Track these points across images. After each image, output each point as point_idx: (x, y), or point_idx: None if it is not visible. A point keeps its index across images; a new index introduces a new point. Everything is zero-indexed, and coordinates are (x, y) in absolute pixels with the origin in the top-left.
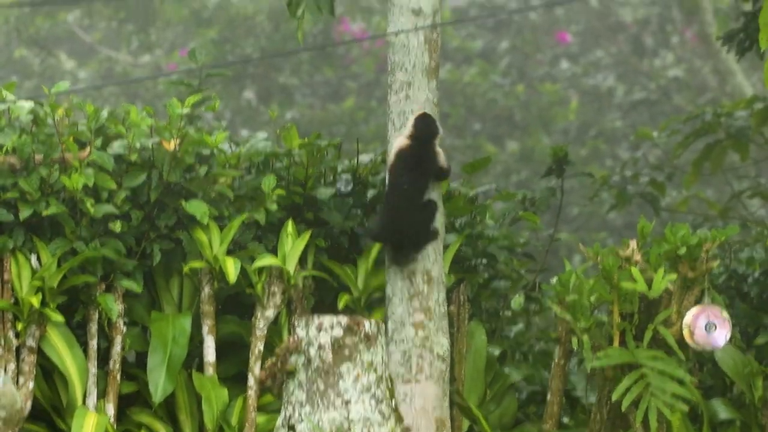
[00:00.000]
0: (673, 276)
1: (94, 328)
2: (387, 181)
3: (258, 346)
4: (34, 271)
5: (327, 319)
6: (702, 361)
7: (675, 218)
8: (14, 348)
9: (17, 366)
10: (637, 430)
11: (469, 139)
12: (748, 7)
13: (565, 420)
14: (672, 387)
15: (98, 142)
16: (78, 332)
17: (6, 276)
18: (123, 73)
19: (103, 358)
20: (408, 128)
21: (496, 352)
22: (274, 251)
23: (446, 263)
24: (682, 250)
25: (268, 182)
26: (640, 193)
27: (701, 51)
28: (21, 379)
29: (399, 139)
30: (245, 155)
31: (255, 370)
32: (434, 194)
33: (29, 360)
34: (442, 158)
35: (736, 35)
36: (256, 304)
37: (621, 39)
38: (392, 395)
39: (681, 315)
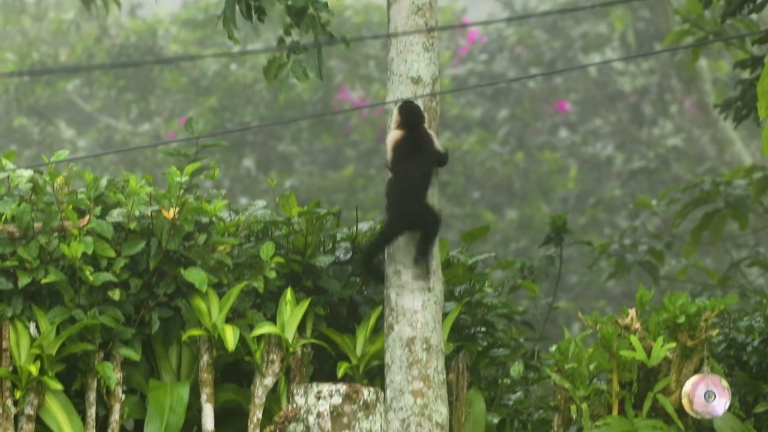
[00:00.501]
0: (672, 344)
1: (92, 396)
2: (390, 174)
3: (257, 414)
4: (32, 339)
5: (326, 387)
6: (701, 430)
7: (674, 287)
8: (12, 416)
9: None
10: None
11: (468, 207)
12: (746, 75)
13: None
14: None
15: (97, 210)
16: (76, 400)
17: (4, 344)
18: (122, 141)
19: (102, 426)
20: (394, 120)
21: (495, 420)
22: (273, 319)
23: (445, 331)
24: (681, 319)
25: (267, 250)
26: (639, 261)
27: (700, 120)
28: None
29: (391, 134)
30: (244, 223)
31: None
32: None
33: (27, 428)
34: (437, 143)
35: (733, 103)
36: (254, 372)
37: (620, 108)
38: None
39: (680, 384)
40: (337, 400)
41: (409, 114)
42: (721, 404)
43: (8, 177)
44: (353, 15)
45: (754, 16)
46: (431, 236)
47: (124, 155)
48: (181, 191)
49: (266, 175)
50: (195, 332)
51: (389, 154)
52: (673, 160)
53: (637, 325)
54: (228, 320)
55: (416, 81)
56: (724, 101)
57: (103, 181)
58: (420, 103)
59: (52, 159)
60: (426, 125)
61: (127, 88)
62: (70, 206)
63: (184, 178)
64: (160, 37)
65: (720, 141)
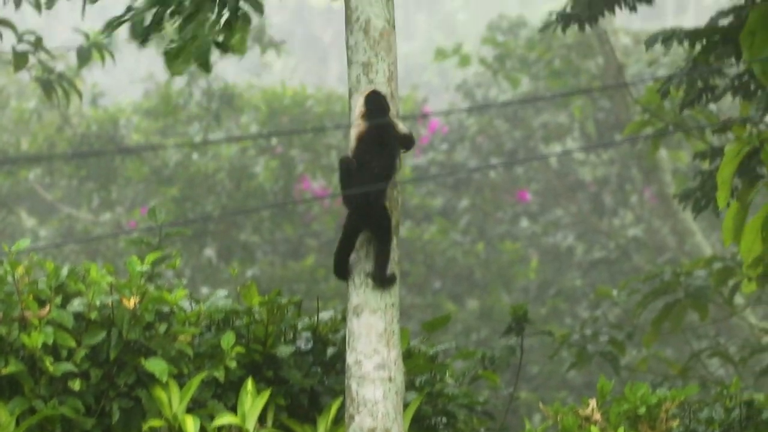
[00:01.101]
0: None
1: None
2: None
3: None
4: None
5: None
6: None
7: (635, 377)
8: None
9: None
10: None
11: (429, 297)
12: (705, 165)
13: None
14: None
15: (58, 300)
16: None
17: None
18: (84, 231)
19: None
20: (359, 110)
21: None
22: (233, 409)
23: (406, 422)
24: (642, 410)
25: (228, 340)
26: (599, 352)
27: (660, 210)
28: None
29: (354, 125)
30: (205, 313)
31: None
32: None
33: None
34: (402, 127)
35: (692, 194)
36: None
37: (581, 198)
38: None
39: None
40: None
41: (374, 105)
42: None
43: None
44: (315, 104)
45: (712, 106)
46: (385, 241)
47: (86, 245)
48: (142, 281)
49: (227, 264)
50: (155, 423)
51: (352, 145)
52: (634, 251)
53: (597, 416)
54: (189, 410)
55: None
56: (683, 192)
57: (64, 271)
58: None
59: (13, 248)
60: (391, 115)
61: (88, 178)
62: (31, 296)
63: (145, 268)
64: (121, 126)
65: (680, 232)
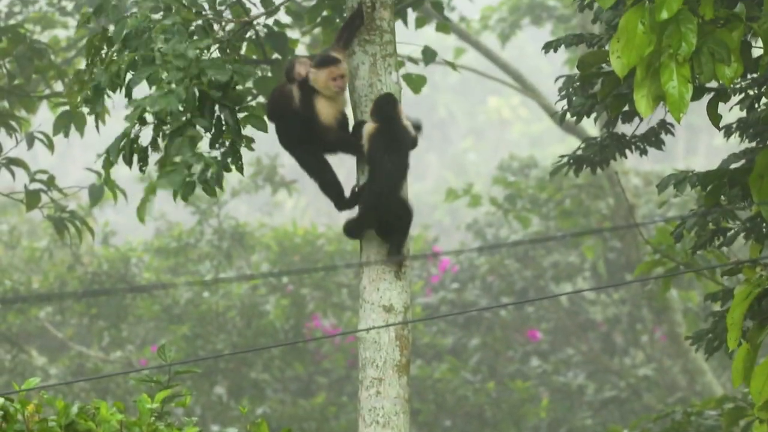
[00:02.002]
0: None
1: None
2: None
3: None
4: None
5: None
6: None
7: None
8: None
9: None
10: None
11: None
12: (716, 307)
13: None
14: None
15: None
16: None
17: None
18: (94, 369)
19: None
20: (371, 110)
21: None
22: None
23: None
24: None
25: None
26: None
27: (671, 350)
28: None
29: (366, 125)
30: None
31: None
32: None
33: None
34: (411, 129)
35: (704, 335)
36: None
37: (591, 337)
38: None
39: None
40: None
41: (385, 106)
42: None
43: None
44: (325, 243)
45: (724, 248)
46: (405, 230)
47: (96, 383)
48: (152, 418)
49: (238, 402)
50: None
51: (365, 146)
52: (645, 390)
53: None
54: None
55: (388, 309)
56: (696, 333)
57: (74, 409)
58: (391, 330)
59: (23, 387)
60: (401, 115)
61: (99, 316)
62: None
63: (155, 406)
64: (132, 264)
65: (691, 371)
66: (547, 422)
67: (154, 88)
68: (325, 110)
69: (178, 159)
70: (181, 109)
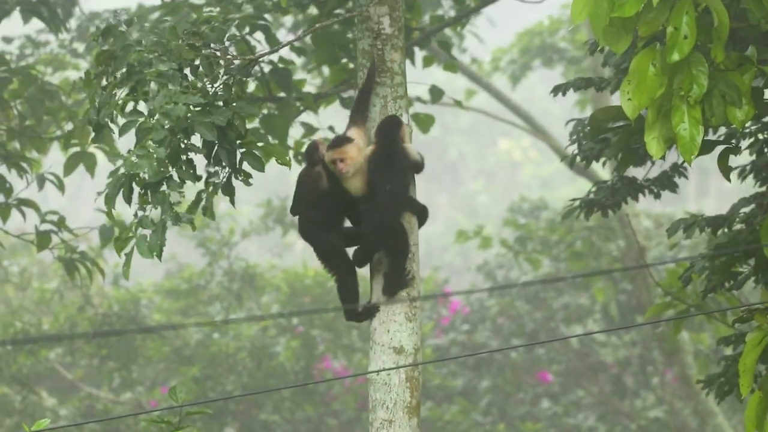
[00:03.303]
0: None
1: None
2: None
3: None
4: None
5: None
6: None
7: None
8: None
9: None
10: None
11: None
12: (728, 351)
13: None
14: None
15: None
16: None
17: None
18: (104, 410)
19: None
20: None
21: None
22: None
23: None
24: None
25: None
26: None
27: (682, 392)
28: None
29: (367, 149)
30: None
31: None
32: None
33: None
34: (413, 152)
35: (716, 379)
36: None
37: (602, 379)
38: None
39: None
40: None
41: (385, 128)
42: None
43: None
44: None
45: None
46: (401, 258)
47: (106, 424)
48: None
49: None
50: None
51: (364, 167)
52: None
53: None
54: None
55: (398, 351)
56: (707, 377)
57: None
58: (402, 372)
59: (33, 428)
60: (402, 138)
61: (109, 357)
62: None
63: None
64: (143, 306)
65: (702, 413)
66: None
67: (136, 144)
68: (352, 183)
69: (156, 214)
70: (161, 167)
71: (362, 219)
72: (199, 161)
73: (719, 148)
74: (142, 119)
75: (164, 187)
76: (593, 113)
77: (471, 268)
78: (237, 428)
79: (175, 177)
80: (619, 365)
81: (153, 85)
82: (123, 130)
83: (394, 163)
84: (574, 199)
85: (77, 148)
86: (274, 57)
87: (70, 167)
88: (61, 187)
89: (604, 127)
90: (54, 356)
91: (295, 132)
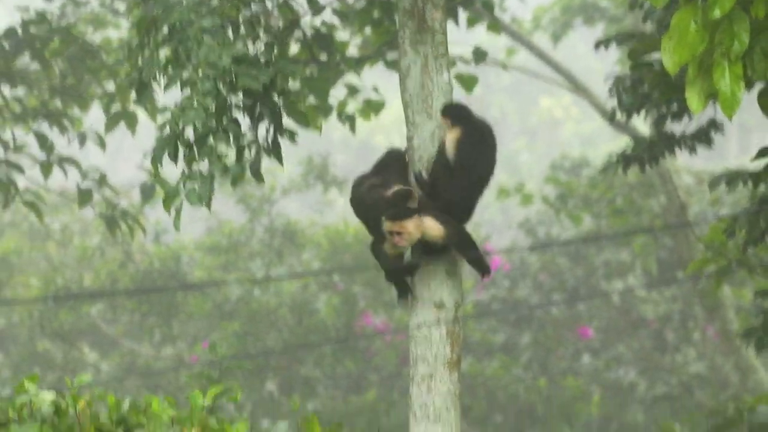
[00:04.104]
0: None
1: None
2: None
3: None
4: None
5: None
6: None
7: None
8: None
9: None
10: None
11: None
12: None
13: None
14: None
15: None
16: None
17: None
18: (145, 365)
19: None
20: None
21: None
22: None
23: None
24: None
25: None
26: None
27: (723, 347)
28: None
29: (449, 133)
30: None
31: None
32: None
33: None
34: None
35: (755, 332)
36: None
37: (643, 335)
38: None
39: None
40: None
41: (462, 111)
42: None
43: (31, 400)
44: None
45: None
46: (468, 252)
47: (147, 379)
48: (203, 414)
49: (288, 398)
50: None
51: (450, 153)
52: (696, 387)
53: None
54: None
55: (439, 306)
56: (746, 330)
57: (126, 404)
58: (442, 327)
59: (75, 382)
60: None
61: (150, 313)
62: (93, 429)
63: (207, 401)
64: (184, 262)
65: (743, 368)
66: (598, 419)
67: (186, 91)
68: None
69: (203, 168)
70: (208, 121)
71: (450, 205)
72: (244, 125)
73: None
74: (187, 73)
75: (211, 141)
76: (631, 48)
77: (512, 224)
78: (277, 383)
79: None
80: (660, 321)
81: (195, 46)
82: (168, 86)
83: (488, 147)
84: (612, 154)
85: (118, 107)
86: (317, 21)
87: (111, 125)
88: (102, 144)
89: (643, 62)
90: (95, 312)
91: (338, 92)
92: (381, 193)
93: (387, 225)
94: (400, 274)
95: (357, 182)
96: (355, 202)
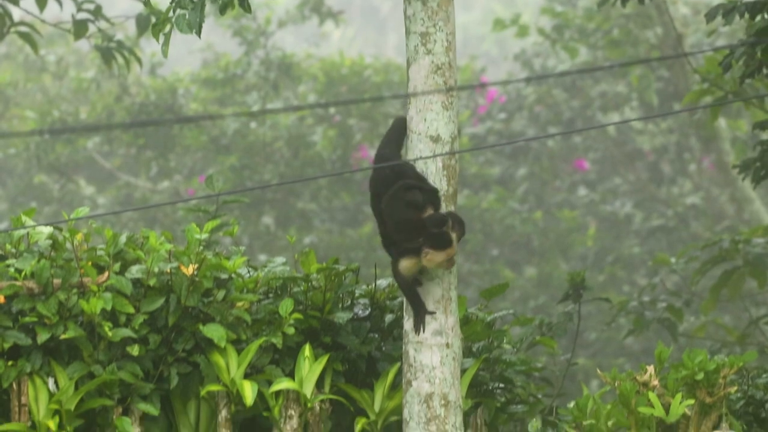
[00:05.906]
0: (691, 401)
1: None
2: None
3: None
4: (51, 395)
5: None
6: None
7: (693, 344)
8: None
9: None
10: None
11: (486, 265)
12: (765, 136)
13: None
14: None
15: (117, 266)
16: None
17: (23, 399)
18: (142, 198)
19: None
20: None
21: None
22: (291, 375)
23: (463, 387)
24: (700, 376)
25: (286, 306)
26: (657, 318)
27: (719, 179)
28: None
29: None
30: (263, 280)
31: None
32: None
33: None
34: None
35: (752, 164)
36: (272, 427)
37: (639, 166)
38: None
39: None
40: None
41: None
42: None
43: (28, 234)
44: (373, 74)
45: None
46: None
47: (144, 212)
48: (201, 248)
49: (285, 232)
50: (213, 387)
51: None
52: (692, 219)
53: (655, 382)
54: (246, 376)
55: (435, 139)
56: (743, 162)
57: (123, 238)
58: (438, 160)
59: (72, 216)
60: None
61: (147, 146)
62: (90, 263)
63: (204, 235)
64: (180, 95)
65: (739, 200)
66: (594, 251)
67: None
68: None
69: None
70: None
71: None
72: None
73: None
74: None
75: None
76: None
77: (508, 56)
78: (274, 217)
79: None
80: (656, 152)
81: None
82: None
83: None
84: None
85: None
86: None
87: None
88: None
89: None
90: (92, 145)
91: None
92: (419, 215)
93: (450, 251)
94: (416, 293)
95: (378, 157)
96: (387, 206)
